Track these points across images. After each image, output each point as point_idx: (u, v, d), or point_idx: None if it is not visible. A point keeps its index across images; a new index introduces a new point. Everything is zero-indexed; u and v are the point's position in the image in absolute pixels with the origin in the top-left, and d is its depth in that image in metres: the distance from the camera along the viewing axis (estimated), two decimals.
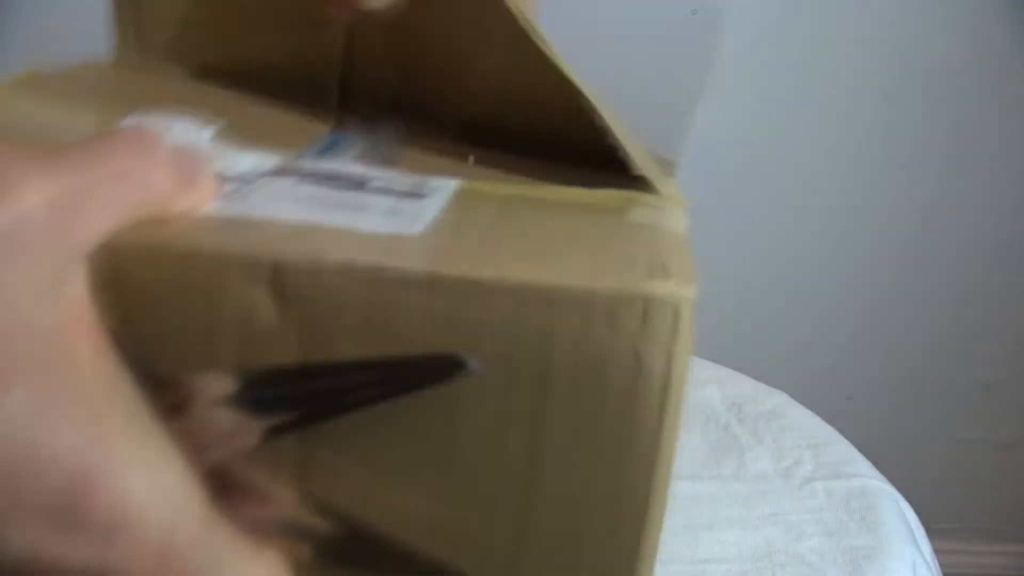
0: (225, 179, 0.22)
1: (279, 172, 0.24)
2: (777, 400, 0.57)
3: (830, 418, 0.55)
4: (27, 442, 0.17)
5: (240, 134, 0.24)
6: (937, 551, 0.49)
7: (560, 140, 0.26)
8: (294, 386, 0.20)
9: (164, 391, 0.20)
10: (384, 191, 0.23)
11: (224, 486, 0.20)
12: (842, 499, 0.46)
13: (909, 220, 0.89)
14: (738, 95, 0.85)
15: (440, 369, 0.20)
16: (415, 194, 0.23)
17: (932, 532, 0.51)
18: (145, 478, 0.18)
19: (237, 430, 0.20)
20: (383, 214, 0.22)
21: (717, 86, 0.84)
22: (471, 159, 0.27)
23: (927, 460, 0.99)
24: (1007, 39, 0.82)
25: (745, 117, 0.86)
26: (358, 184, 0.23)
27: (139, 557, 0.18)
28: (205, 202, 0.21)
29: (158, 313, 0.20)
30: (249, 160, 0.24)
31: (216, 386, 0.20)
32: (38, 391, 0.18)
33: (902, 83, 0.85)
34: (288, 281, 0.19)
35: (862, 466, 0.50)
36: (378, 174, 0.24)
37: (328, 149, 0.27)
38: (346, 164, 0.25)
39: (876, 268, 0.93)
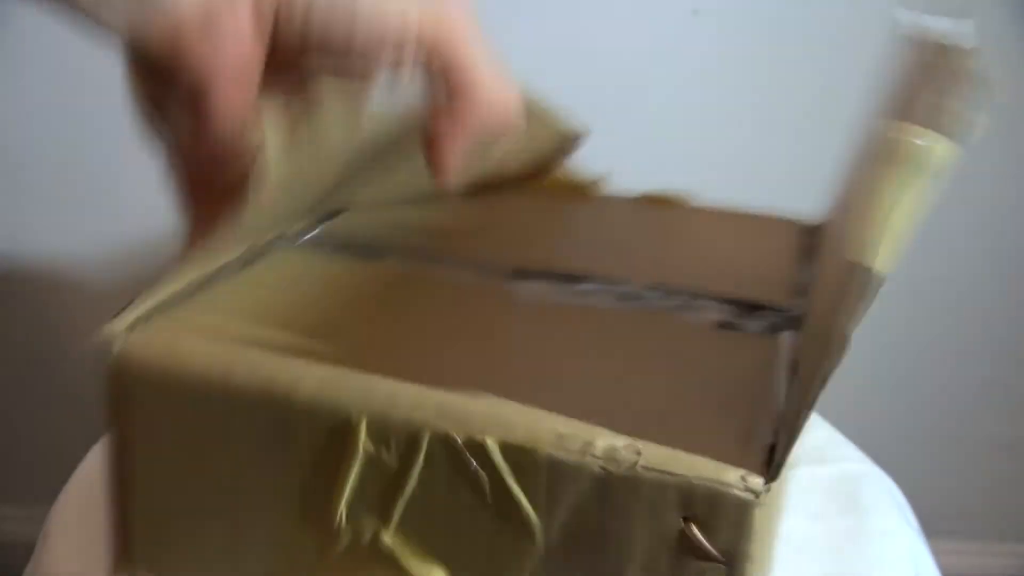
0: None
1: None
2: None
3: (830, 418, 0.55)
4: None
5: None
6: (937, 551, 0.49)
7: None
8: None
9: None
10: None
11: None
12: (825, 482, 0.47)
13: None
14: (741, 93, 0.86)
15: None
16: None
17: (932, 532, 0.51)
18: None
19: None
20: None
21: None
22: None
23: (927, 460, 0.99)
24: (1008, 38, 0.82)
25: (748, 113, 0.87)
26: None
27: None
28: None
29: None
30: None
31: None
32: None
33: None
34: None
35: (846, 450, 0.50)
36: None
37: None
38: None
39: None
